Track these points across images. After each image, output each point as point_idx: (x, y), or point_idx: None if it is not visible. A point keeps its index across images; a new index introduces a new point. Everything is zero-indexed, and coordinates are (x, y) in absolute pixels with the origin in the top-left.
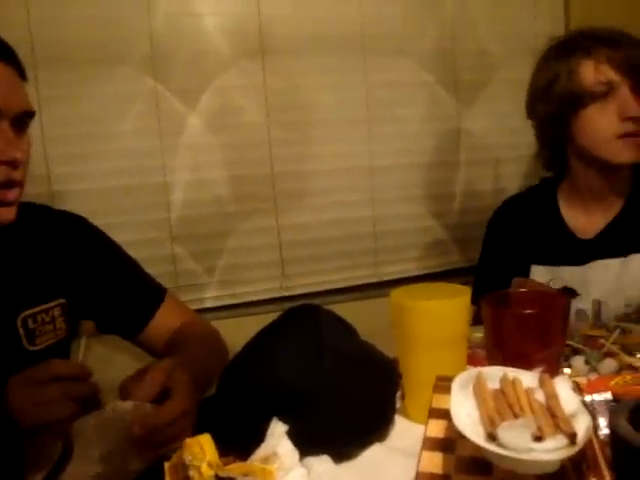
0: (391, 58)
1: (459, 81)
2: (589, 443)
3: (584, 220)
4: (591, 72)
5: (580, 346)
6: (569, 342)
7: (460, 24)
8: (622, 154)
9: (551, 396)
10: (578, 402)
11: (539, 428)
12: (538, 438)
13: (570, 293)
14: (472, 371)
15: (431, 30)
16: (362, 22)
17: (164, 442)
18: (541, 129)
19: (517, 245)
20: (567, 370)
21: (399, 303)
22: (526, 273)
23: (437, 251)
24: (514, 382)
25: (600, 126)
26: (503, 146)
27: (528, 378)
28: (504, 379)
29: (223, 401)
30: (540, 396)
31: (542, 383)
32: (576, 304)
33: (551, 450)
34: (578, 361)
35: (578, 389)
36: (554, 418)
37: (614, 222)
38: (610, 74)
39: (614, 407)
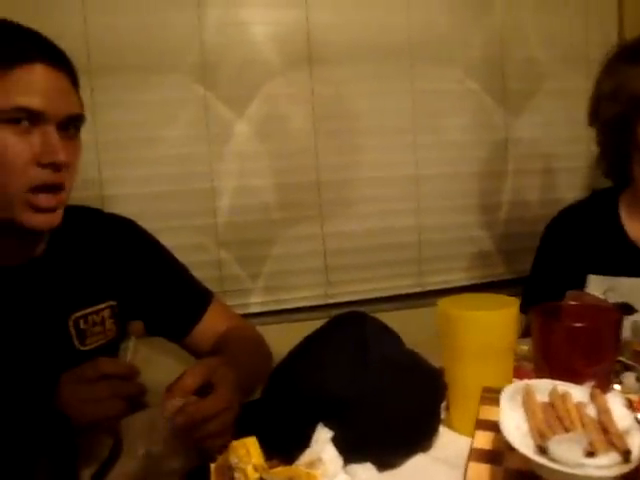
0: (438, 66)
1: (507, 90)
2: None
3: None
4: None
5: (631, 362)
6: (620, 358)
7: (508, 32)
8: None
9: (603, 411)
10: (632, 419)
11: (591, 443)
12: (590, 453)
13: (626, 309)
14: (520, 383)
15: (479, 38)
16: (409, 30)
17: (206, 437)
18: (605, 134)
19: (574, 254)
20: (617, 386)
21: (446, 313)
22: (582, 283)
23: (482, 262)
24: (564, 396)
25: None
26: (552, 156)
27: (578, 392)
28: (553, 392)
29: (269, 405)
30: (591, 411)
31: (593, 398)
32: (633, 318)
33: (604, 466)
34: (629, 378)
35: (631, 406)
36: (607, 434)
37: None
38: None
39: None
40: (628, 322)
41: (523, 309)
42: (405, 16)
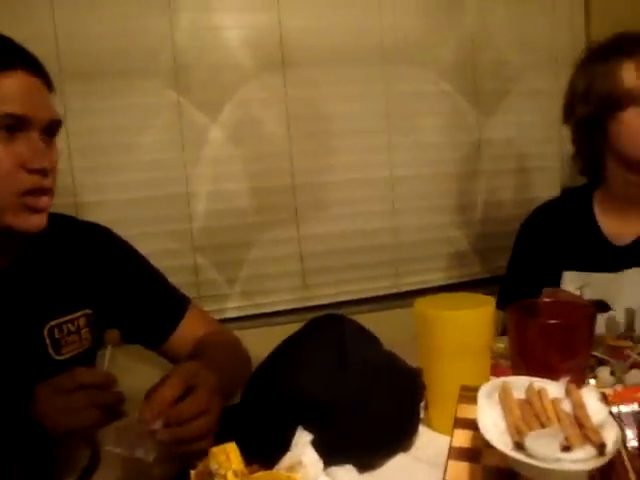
0: (411, 69)
1: (479, 91)
2: (617, 454)
3: (620, 226)
4: (632, 74)
5: (605, 357)
6: (594, 353)
7: (480, 34)
8: None
9: (578, 406)
10: (606, 413)
11: (567, 438)
12: (566, 448)
13: (601, 305)
14: (497, 381)
15: (451, 41)
16: (382, 33)
17: (185, 440)
18: (578, 133)
19: (549, 251)
20: (592, 381)
21: (423, 313)
22: (558, 280)
23: (458, 262)
24: (540, 392)
25: (639, 129)
26: (524, 156)
27: (554, 388)
28: (530, 389)
29: (248, 410)
30: (567, 406)
31: (569, 393)
32: (607, 313)
33: (580, 460)
34: (604, 372)
35: (605, 400)
36: (582, 428)
37: None
38: None
39: None
40: (602, 317)
41: (500, 307)
42: (378, 19)
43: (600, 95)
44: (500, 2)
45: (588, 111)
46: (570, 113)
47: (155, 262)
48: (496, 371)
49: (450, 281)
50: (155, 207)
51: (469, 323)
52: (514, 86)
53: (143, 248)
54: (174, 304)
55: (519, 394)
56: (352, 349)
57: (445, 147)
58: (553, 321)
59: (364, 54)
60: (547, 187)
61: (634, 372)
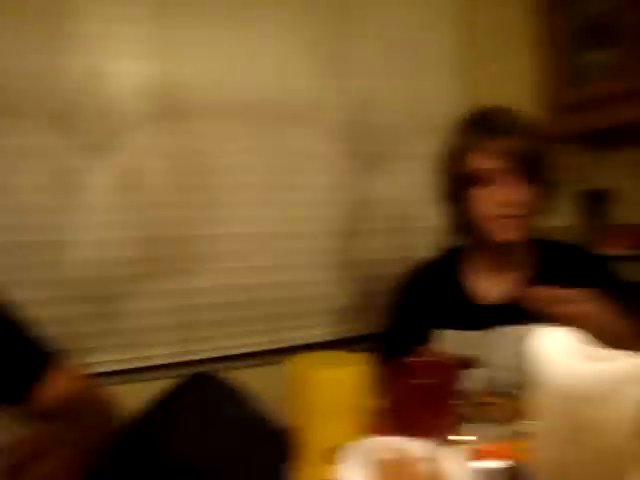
0: (301, 127)
1: (367, 152)
2: None
3: (484, 287)
4: (479, 159)
5: (473, 413)
6: (462, 409)
7: (368, 97)
8: (501, 233)
9: (440, 465)
10: (467, 470)
11: None
12: None
13: (469, 363)
14: (365, 441)
15: (340, 101)
16: (271, 90)
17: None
18: (443, 201)
19: (420, 310)
20: (460, 437)
21: (295, 372)
22: (429, 338)
23: (339, 318)
24: (406, 452)
25: (484, 206)
26: (407, 216)
27: (421, 447)
28: (396, 449)
29: (118, 472)
30: (431, 466)
31: (434, 452)
32: (475, 370)
33: None
34: (471, 428)
35: (470, 456)
36: None
37: (513, 292)
38: (495, 163)
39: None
40: (471, 374)
41: (378, 364)
42: (268, 76)
43: (455, 171)
44: (389, 67)
45: (447, 184)
46: (436, 182)
47: (24, 312)
48: (372, 430)
49: (330, 337)
50: (27, 253)
51: (340, 383)
52: (400, 149)
53: (15, 296)
54: (38, 358)
55: (387, 454)
56: (216, 411)
57: (330, 205)
58: (421, 380)
59: (253, 110)
60: (428, 247)
61: (499, 428)
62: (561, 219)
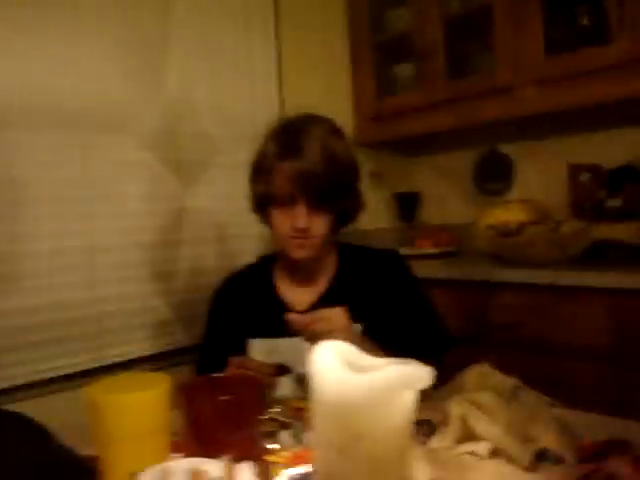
0: (112, 136)
1: (182, 161)
2: None
3: (296, 293)
4: (274, 179)
5: (288, 420)
6: (277, 417)
7: (182, 106)
8: (293, 252)
9: None
10: None
11: None
12: None
13: (283, 369)
14: (158, 466)
15: (153, 110)
16: (81, 98)
17: None
18: (254, 211)
19: (236, 319)
20: (274, 446)
21: (91, 398)
22: (245, 347)
23: (163, 330)
24: (200, 474)
25: (278, 226)
26: (226, 225)
27: (216, 467)
28: (191, 471)
29: None
30: None
31: (226, 471)
32: (288, 376)
33: None
34: (284, 435)
35: (263, 473)
36: None
37: (323, 297)
38: (288, 186)
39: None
40: (284, 380)
41: (188, 379)
42: (78, 84)
43: (257, 189)
44: (203, 76)
45: (252, 197)
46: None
47: None
48: (178, 449)
49: (155, 350)
50: None
51: (139, 406)
52: (216, 158)
53: None
54: None
55: (181, 477)
56: (7, 449)
57: (146, 215)
58: (221, 397)
59: (63, 119)
60: (248, 254)
61: (310, 433)
62: (378, 221)
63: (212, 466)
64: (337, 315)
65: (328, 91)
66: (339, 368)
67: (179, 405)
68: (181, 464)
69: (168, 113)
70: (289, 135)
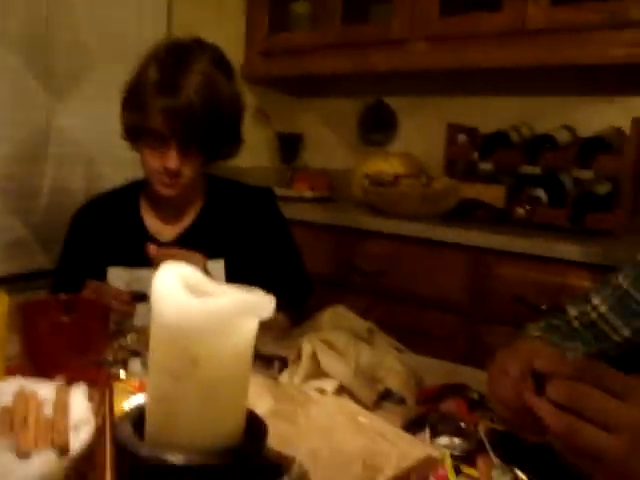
0: None
1: (52, 73)
2: (100, 452)
3: (162, 224)
4: (147, 114)
5: (139, 349)
6: (129, 345)
7: (56, 10)
8: (161, 190)
9: (59, 407)
10: (87, 411)
11: (22, 444)
12: (26, 454)
13: (142, 297)
14: None
15: (20, 10)
16: None
17: None
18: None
19: (96, 246)
20: (122, 372)
21: None
22: (105, 274)
23: (20, 251)
24: (28, 395)
25: (147, 162)
26: (97, 146)
27: (46, 389)
28: (18, 393)
29: None
30: (58, 407)
31: (57, 394)
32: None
33: (37, 466)
34: (135, 363)
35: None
36: (54, 431)
37: (189, 230)
38: (164, 125)
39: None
40: (145, 310)
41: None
42: None
43: (129, 119)
44: None
45: (124, 124)
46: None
47: None
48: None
49: (12, 271)
50: None
51: None
52: (92, 74)
53: None
54: None
55: (7, 398)
56: None
57: (7, 125)
58: (61, 319)
59: None
60: (117, 178)
61: None
62: (258, 159)
63: (43, 387)
64: (193, 258)
65: (219, 19)
66: (180, 291)
67: (18, 326)
68: (8, 384)
69: (39, 18)
70: (169, 66)
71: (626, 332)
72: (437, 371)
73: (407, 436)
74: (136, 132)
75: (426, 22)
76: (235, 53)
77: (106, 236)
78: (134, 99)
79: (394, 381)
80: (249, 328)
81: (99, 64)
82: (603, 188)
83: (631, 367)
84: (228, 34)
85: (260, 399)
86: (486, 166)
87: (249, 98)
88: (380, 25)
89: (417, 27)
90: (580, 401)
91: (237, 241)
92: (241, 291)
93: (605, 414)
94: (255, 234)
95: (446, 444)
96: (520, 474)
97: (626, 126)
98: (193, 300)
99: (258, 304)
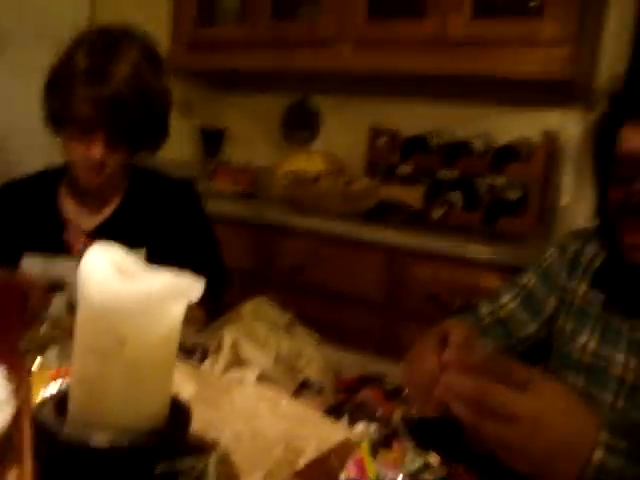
0: None
1: None
2: (19, 433)
3: (83, 212)
4: (71, 101)
5: (55, 337)
6: (45, 334)
7: None
8: (82, 179)
9: None
10: (6, 392)
11: None
12: None
13: (56, 287)
14: None
15: None
16: None
17: None
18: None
19: (10, 232)
20: (37, 362)
21: None
22: (19, 262)
23: None
24: None
25: (73, 151)
26: (10, 130)
27: None
28: None
29: None
30: None
31: None
32: (60, 294)
33: None
34: (50, 353)
35: (18, 378)
36: None
37: (111, 218)
38: (90, 114)
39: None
40: (61, 299)
41: None
42: None
43: (51, 104)
44: None
45: (46, 112)
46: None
47: None
48: None
49: None
50: None
51: None
52: (4, 53)
53: None
54: None
55: None
56: None
57: None
58: None
59: None
60: (32, 165)
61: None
62: (181, 152)
63: None
64: None
65: (145, 8)
66: (109, 273)
67: None
68: None
69: None
70: (98, 55)
71: (532, 328)
72: (354, 363)
73: (327, 420)
74: (59, 119)
75: (353, 25)
76: (160, 43)
77: (21, 223)
78: (59, 86)
79: (313, 370)
80: (177, 311)
81: (12, 43)
82: (514, 194)
83: (536, 360)
84: (153, 23)
85: (184, 385)
86: (405, 169)
87: (173, 90)
88: (308, 24)
89: (344, 29)
90: (484, 395)
91: (158, 232)
92: (171, 274)
93: (505, 406)
94: (175, 226)
95: (364, 430)
96: (433, 457)
97: (535, 137)
98: (122, 281)
99: (187, 287)
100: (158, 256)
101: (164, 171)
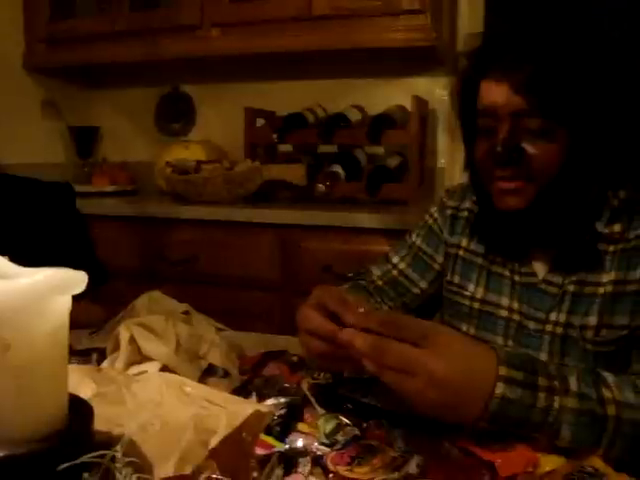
0: None
1: None
2: None
3: None
4: None
5: None
6: None
7: None
8: None
9: None
10: None
11: None
12: None
13: None
14: None
15: None
16: None
17: None
18: None
19: None
20: None
21: None
22: None
23: None
24: None
25: None
26: None
27: None
28: None
29: None
30: None
31: None
32: None
33: None
34: None
35: None
36: None
37: None
38: None
39: None
40: None
41: None
42: None
43: None
44: None
45: None
46: None
47: None
48: None
49: None
50: None
51: None
52: None
53: None
54: None
55: None
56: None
57: None
58: None
59: None
60: None
61: None
62: (51, 155)
63: None
64: None
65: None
66: None
67: None
68: None
69: None
70: None
71: (423, 284)
72: (256, 343)
73: (234, 397)
74: None
75: (216, 8)
76: (14, 40)
77: None
78: None
79: (216, 356)
80: (62, 305)
81: None
82: (393, 161)
83: (432, 312)
84: (2, 19)
85: (81, 386)
86: (285, 147)
87: (34, 90)
88: (170, 11)
89: (207, 13)
90: (381, 351)
91: (27, 237)
92: (49, 269)
93: (403, 361)
94: (47, 228)
95: (273, 404)
96: (344, 419)
97: (408, 104)
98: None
99: (68, 279)
100: (27, 261)
101: (34, 177)
